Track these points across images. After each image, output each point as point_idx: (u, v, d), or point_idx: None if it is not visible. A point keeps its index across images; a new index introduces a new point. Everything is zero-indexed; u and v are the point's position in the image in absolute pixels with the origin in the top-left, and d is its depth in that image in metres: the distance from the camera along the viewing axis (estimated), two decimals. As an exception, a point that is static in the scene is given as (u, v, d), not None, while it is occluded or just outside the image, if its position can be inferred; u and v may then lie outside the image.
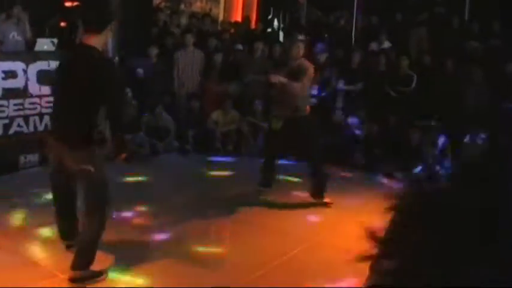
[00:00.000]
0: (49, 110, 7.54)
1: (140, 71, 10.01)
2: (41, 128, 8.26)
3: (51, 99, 7.35)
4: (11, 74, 8.10)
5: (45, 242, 5.72)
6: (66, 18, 11.86)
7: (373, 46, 11.46)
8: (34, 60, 8.35)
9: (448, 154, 8.73)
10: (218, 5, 14.76)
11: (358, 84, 10.22)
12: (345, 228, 6.23)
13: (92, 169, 4.83)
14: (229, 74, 10.35)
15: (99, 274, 5.04)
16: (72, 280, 4.90)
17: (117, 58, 9.49)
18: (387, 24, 12.30)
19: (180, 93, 10.48)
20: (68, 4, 13.78)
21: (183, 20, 13.13)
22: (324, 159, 7.49)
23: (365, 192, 7.63)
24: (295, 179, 8.16)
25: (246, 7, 14.68)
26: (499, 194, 0.76)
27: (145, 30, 10.69)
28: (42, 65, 8.35)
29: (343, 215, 6.89)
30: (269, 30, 14.14)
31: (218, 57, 10.47)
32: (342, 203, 7.30)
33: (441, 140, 8.85)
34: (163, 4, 14.50)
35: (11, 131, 8.12)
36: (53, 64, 8.36)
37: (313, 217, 6.92)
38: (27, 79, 8.21)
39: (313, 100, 9.17)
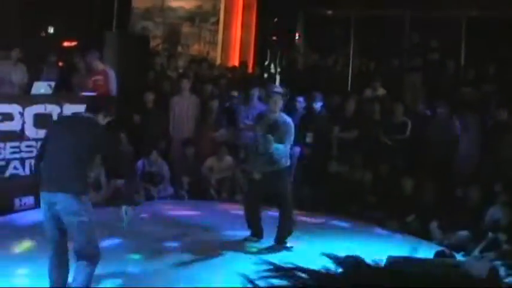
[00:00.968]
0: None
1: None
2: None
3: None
4: (7, 116, 8.16)
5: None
6: (64, 59, 11.98)
7: (368, 93, 11.47)
8: (31, 104, 8.40)
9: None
10: (216, 48, 14.88)
11: (353, 131, 10.13)
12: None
13: (86, 219, 4.89)
14: (225, 120, 10.39)
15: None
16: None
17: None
18: (382, 69, 12.39)
19: (175, 138, 10.47)
20: (66, 44, 13.95)
21: (181, 63, 13.22)
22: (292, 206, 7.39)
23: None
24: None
25: (243, 50, 14.80)
26: None
27: (142, 75, 10.75)
28: (38, 108, 8.40)
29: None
30: (266, 75, 14.20)
31: (214, 104, 10.47)
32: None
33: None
34: (160, 46, 14.63)
35: (7, 174, 8.15)
36: (50, 108, 8.46)
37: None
38: (23, 122, 8.26)
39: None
